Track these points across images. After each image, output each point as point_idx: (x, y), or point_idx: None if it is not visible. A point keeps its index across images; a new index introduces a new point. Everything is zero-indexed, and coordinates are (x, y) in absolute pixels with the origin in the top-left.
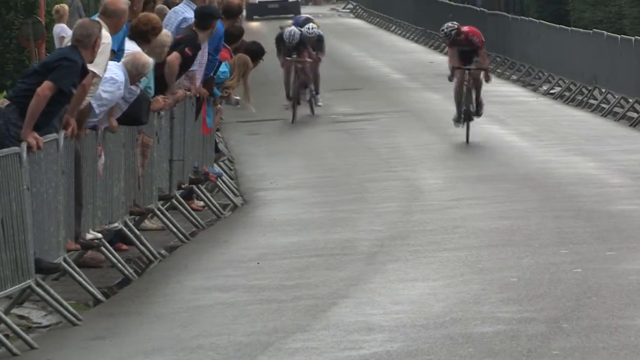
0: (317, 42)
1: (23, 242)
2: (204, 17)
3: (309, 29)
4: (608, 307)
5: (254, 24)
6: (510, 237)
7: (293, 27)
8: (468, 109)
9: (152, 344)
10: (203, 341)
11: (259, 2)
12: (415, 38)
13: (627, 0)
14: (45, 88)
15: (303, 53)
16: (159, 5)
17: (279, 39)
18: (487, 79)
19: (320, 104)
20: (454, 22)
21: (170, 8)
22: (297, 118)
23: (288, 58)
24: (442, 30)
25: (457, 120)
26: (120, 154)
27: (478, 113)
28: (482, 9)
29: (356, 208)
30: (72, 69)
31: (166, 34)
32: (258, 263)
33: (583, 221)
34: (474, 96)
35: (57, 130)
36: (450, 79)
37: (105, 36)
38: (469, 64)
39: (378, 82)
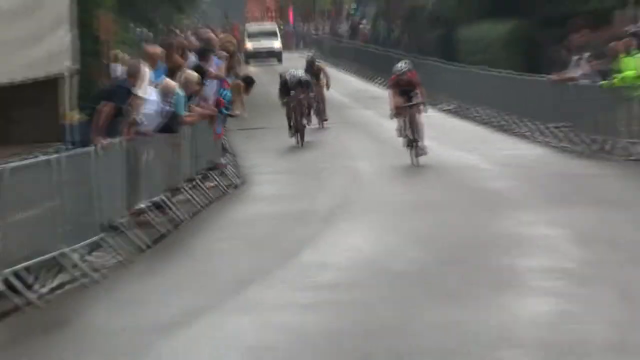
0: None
1: (98, 209)
2: (203, 52)
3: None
4: (486, 251)
5: (251, 67)
6: (417, 204)
7: (292, 71)
8: (414, 138)
9: (183, 272)
10: (217, 271)
11: (253, 50)
12: (356, 74)
13: (498, 48)
14: (105, 106)
15: (302, 90)
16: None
17: (283, 84)
18: (425, 110)
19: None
20: (407, 62)
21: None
22: (303, 142)
23: (289, 95)
24: (399, 67)
25: (408, 145)
26: (160, 150)
27: (420, 148)
28: (400, 53)
29: (315, 185)
30: (123, 93)
31: (191, 74)
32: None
33: (467, 193)
34: (417, 127)
35: (119, 134)
36: (392, 117)
37: (146, 71)
38: (409, 101)
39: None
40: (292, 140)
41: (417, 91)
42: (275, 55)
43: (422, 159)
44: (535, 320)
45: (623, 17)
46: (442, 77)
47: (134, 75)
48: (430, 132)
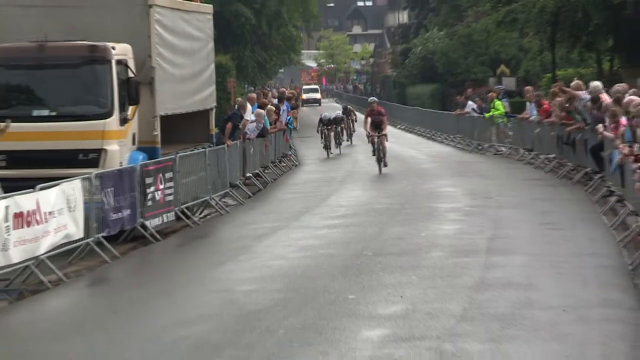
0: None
1: (225, 176)
2: (279, 99)
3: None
4: (421, 199)
5: (304, 108)
6: (386, 176)
7: (325, 114)
8: (379, 156)
9: (268, 209)
10: (285, 208)
11: (306, 99)
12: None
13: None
14: (229, 125)
15: (331, 125)
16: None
17: (320, 121)
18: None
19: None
20: (374, 98)
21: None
22: (330, 155)
23: (325, 127)
24: (370, 100)
25: (377, 160)
26: (258, 146)
27: (384, 162)
28: (377, 100)
29: (335, 166)
30: (238, 117)
31: (272, 108)
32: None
33: (411, 170)
34: (382, 149)
35: (237, 139)
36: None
37: (248, 106)
38: (379, 130)
39: None
40: (323, 152)
41: (383, 121)
42: (317, 102)
43: (392, 153)
44: (446, 234)
45: (493, 80)
46: (399, 112)
47: (242, 108)
48: (392, 139)
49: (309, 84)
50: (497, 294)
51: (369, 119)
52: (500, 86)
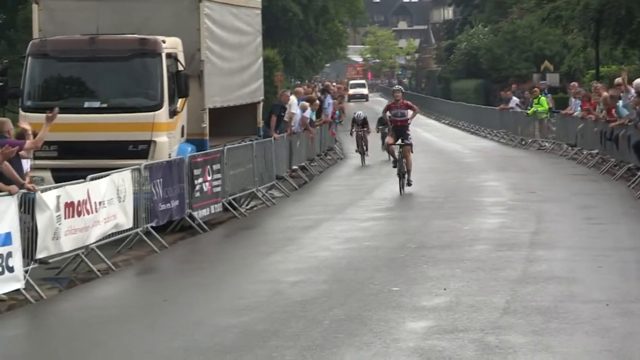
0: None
1: (272, 168)
2: (323, 92)
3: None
4: (464, 193)
5: (350, 103)
6: (430, 169)
7: (360, 112)
8: (402, 170)
9: (313, 201)
10: (331, 200)
11: (353, 94)
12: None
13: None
14: (273, 117)
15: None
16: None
17: (353, 120)
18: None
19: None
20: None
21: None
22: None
23: (360, 129)
24: (396, 87)
25: (394, 166)
26: (304, 139)
27: (408, 180)
28: (422, 95)
29: (380, 159)
30: (279, 108)
31: (317, 101)
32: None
33: (454, 164)
34: (405, 163)
35: (283, 131)
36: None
37: (293, 98)
38: (403, 138)
39: None
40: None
41: (408, 132)
42: (365, 97)
43: (432, 145)
44: (490, 228)
45: (537, 76)
46: (443, 107)
47: (285, 100)
48: (436, 133)
49: (355, 79)
50: (540, 287)
51: (388, 114)
52: (544, 82)
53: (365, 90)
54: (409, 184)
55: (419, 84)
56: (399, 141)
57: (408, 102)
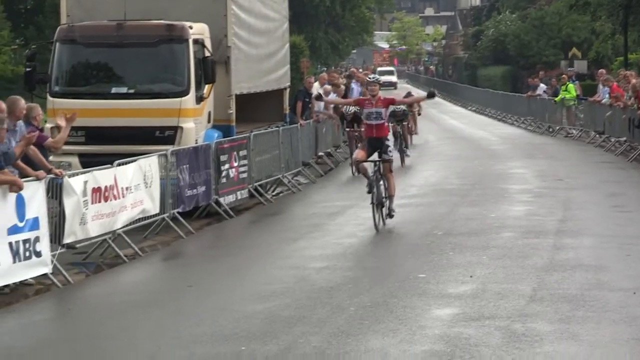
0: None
1: (298, 155)
2: (348, 78)
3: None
4: (491, 180)
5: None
6: (458, 156)
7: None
8: (380, 198)
9: (338, 187)
10: (356, 187)
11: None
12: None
13: (498, 79)
14: (299, 103)
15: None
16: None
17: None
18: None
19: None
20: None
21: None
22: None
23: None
24: (372, 77)
25: (369, 192)
26: (329, 126)
27: (389, 211)
28: (449, 82)
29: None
30: (303, 93)
31: (340, 88)
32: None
33: (482, 151)
34: (385, 186)
35: (309, 117)
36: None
37: (316, 84)
38: (379, 150)
39: None
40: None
41: (387, 142)
42: (393, 85)
43: (459, 133)
44: (517, 215)
45: (565, 63)
46: (470, 93)
47: (309, 86)
48: (463, 120)
49: (382, 65)
50: (567, 275)
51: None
52: (571, 69)
53: (394, 78)
54: (391, 215)
55: (446, 70)
56: (374, 156)
57: (392, 97)
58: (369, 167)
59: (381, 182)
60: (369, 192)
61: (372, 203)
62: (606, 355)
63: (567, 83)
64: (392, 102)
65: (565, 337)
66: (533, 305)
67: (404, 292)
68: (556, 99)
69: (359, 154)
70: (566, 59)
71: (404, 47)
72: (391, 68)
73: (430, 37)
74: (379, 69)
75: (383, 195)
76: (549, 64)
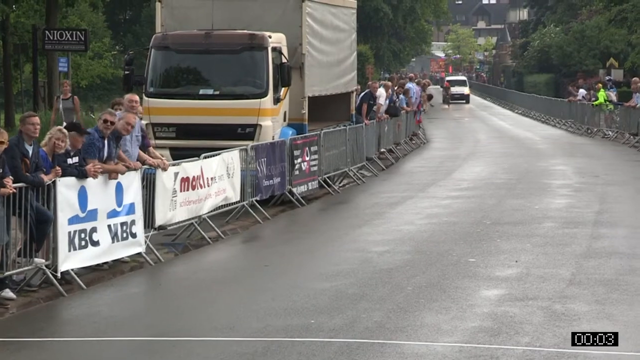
0: None
1: (362, 150)
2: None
3: None
4: (535, 176)
5: (446, 105)
6: (505, 153)
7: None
8: None
9: (399, 180)
10: (415, 180)
11: (452, 93)
12: (479, 95)
13: (542, 86)
14: (364, 105)
15: None
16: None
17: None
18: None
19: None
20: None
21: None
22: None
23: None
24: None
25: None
26: (391, 125)
27: None
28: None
29: (459, 144)
30: (368, 96)
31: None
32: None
33: (526, 149)
34: None
35: (373, 118)
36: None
37: (380, 89)
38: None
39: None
40: (450, 131)
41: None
42: (465, 98)
43: (507, 133)
44: (557, 207)
45: (603, 72)
46: (517, 98)
47: (373, 90)
48: (510, 121)
49: (455, 75)
50: (603, 261)
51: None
52: (609, 77)
53: (466, 90)
54: None
55: (497, 77)
56: None
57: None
58: None
59: None
60: None
61: None
62: (638, 334)
63: (601, 90)
64: None
65: (601, 317)
66: (572, 288)
67: (455, 274)
68: (594, 103)
69: None
70: (604, 68)
71: (458, 55)
72: (463, 78)
73: (481, 47)
74: (448, 78)
75: None
76: (588, 72)
